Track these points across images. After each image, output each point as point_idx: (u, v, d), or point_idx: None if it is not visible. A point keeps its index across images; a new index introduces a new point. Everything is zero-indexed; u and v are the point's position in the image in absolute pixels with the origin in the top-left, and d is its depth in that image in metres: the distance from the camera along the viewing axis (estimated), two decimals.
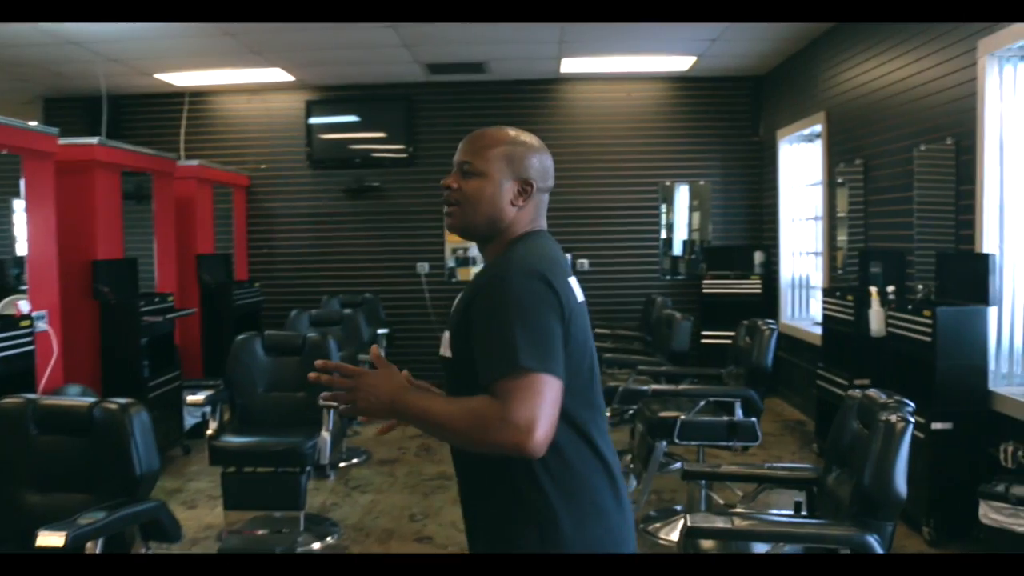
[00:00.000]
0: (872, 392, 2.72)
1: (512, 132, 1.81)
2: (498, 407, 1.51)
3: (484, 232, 1.78)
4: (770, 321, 4.52)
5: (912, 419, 2.47)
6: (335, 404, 1.65)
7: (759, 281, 7.67)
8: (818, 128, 6.64)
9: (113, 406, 2.74)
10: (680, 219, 8.32)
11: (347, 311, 6.83)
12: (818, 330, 6.45)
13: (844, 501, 2.68)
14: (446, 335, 1.72)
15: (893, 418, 2.45)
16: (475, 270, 8.35)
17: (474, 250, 8.36)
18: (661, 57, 7.38)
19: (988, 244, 4.23)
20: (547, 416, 1.51)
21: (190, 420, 6.32)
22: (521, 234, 1.77)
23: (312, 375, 1.64)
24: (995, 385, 4.17)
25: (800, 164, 7.37)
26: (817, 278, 7.07)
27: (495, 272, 1.65)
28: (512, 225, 1.77)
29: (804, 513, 2.90)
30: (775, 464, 3.90)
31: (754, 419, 4.20)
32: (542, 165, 1.79)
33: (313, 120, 8.26)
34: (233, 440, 4.33)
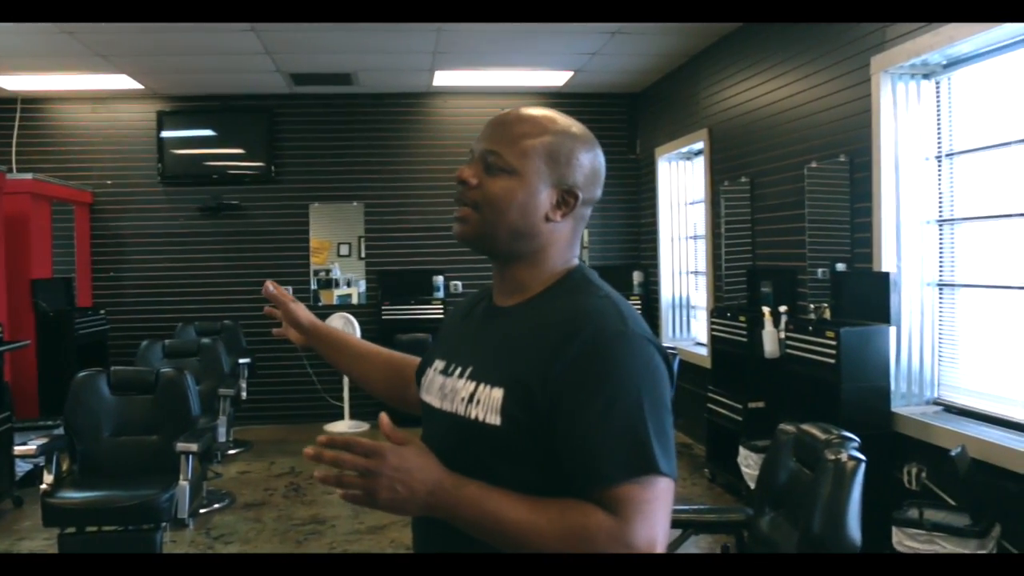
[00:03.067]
0: (809, 427, 2.49)
1: (561, 119, 1.38)
2: (612, 525, 1.17)
3: (503, 249, 1.37)
4: (670, 347, 4.29)
5: (863, 457, 2.24)
6: (340, 490, 1.21)
7: (639, 301, 7.51)
8: (699, 146, 6.54)
9: None
10: None
11: (205, 340, 6.24)
12: (702, 351, 6.34)
13: (782, 546, 2.44)
14: (485, 391, 1.29)
15: (843, 457, 2.22)
16: (343, 292, 7.86)
17: (337, 271, 7.88)
18: (537, 72, 7.17)
19: (886, 262, 4.15)
20: (666, 532, 1.21)
21: (23, 467, 5.58)
22: (573, 267, 1.40)
23: (310, 450, 1.19)
24: (896, 406, 4.08)
25: (680, 182, 7.27)
26: (699, 298, 6.96)
27: (604, 324, 1.25)
28: (548, 247, 1.37)
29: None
30: (701, 507, 3.64)
31: None
32: (593, 167, 1.39)
33: (165, 133, 7.59)
34: (73, 496, 3.75)
